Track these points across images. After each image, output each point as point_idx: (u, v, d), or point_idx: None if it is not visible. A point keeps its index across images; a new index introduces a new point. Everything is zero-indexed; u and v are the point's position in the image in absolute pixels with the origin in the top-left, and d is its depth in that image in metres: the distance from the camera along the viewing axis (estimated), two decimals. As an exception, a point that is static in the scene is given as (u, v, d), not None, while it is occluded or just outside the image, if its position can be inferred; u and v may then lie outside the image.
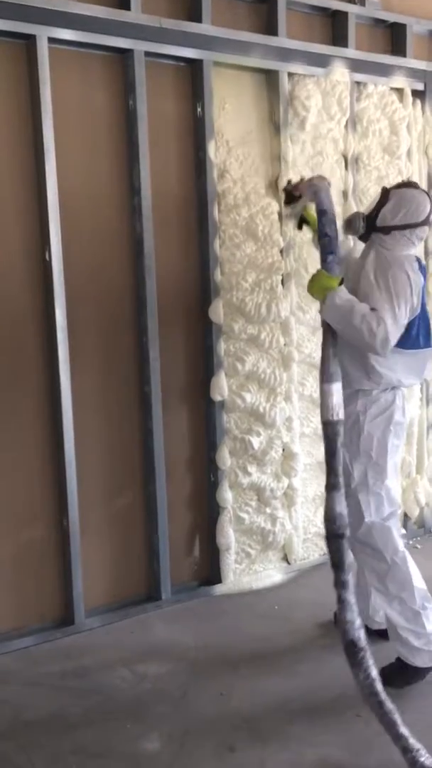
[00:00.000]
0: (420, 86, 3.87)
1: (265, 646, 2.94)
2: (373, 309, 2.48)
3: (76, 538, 3.06)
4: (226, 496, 3.41)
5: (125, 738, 2.36)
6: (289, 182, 3.13)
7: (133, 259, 3.15)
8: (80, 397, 3.04)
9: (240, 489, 3.46)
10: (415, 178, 3.89)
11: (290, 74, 3.43)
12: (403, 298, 2.52)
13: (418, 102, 3.90)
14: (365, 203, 3.73)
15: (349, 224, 2.77)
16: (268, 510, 3.55)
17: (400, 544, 2.68)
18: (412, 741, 2.06)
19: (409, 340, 2.60)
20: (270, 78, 3.40)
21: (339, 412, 2.47)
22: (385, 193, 2.70)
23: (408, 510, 4.09)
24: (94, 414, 3.13)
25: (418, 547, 4.01)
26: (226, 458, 3.39)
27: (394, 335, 2.48)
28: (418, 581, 2.64)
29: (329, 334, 2.55)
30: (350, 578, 2.39)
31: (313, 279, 2.61)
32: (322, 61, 3.50)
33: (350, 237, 3.03)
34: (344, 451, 2.56)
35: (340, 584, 2.38)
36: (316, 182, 2.81)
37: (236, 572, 3.51)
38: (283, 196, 3.15)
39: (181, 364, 3.32)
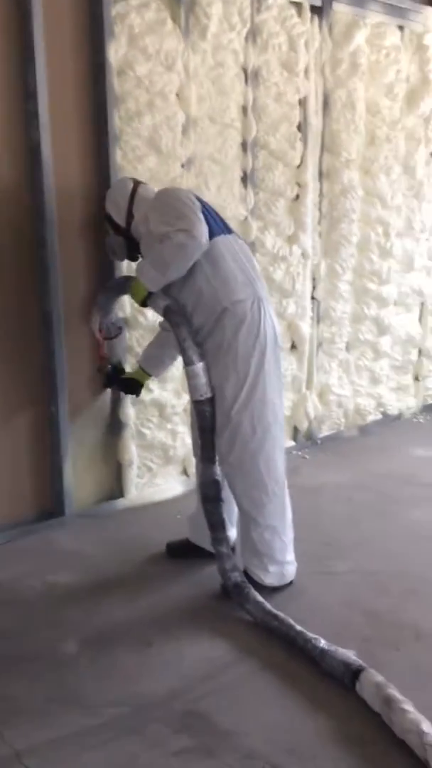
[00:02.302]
0: (318, 2, 3.84)
1: (171, 552, 3.07)
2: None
3: (-22, 457, 3.01)
4: (129, 412, 3.45)
5: (43, 644, 2.41)
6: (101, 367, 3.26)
7: (29, 168, 3.00)
8: (-22, 312, 2.93)
9: (142, 405, 3.50)
10: (311, 98, 3.93)
11: (191, -22, 3.31)
12: (168, 200, 2.56)
13: (316, 18, 3.89)
14: (264, 121, 3.74)
15: (113, 249, 2.89)
16: (168, 426, 3.63)
17: (283, 473, 2.68)
18: (309, 633, 2.35)
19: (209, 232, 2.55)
20: (171, -20, 3.26)
21: (207, 391, 2.57)
22: (106, 215, 2.85)
23: (297, 423, 4.32)
24: (-8, 330, 3.03)
25: (306, 457, 4.26)
26: (128, 375, 3.40)
27: (189, 222, 2.45)
28: (288, 512, 2.72)
29: (173, 316, 2.56)
30: (225, 534, 2.67)
31: (134, 295, 2.66)
32: (223, -35, 3.39)
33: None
34: (224, 379, 2.56)
35: (217, 541, 2.67)
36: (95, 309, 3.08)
37: (138, 486, 3.59)
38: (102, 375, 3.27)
39: (82, 280, 3.25)
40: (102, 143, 3.16)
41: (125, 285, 2.83)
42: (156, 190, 2.75)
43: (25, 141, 2.98)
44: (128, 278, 2.80)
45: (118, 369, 3.23)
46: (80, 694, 2.16)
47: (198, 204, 2.55)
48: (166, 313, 2.59)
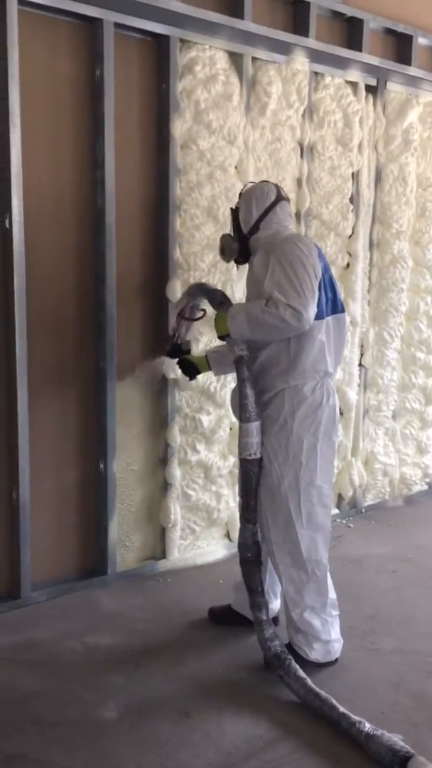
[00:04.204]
0: (373, 82, 3.99)
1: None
2: (269, 298, 2.42)
3: (26, 512, 3.03)
4: (175, 473, 3.46)
5: (82, 708, 2.38)
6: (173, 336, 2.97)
7: (93, 232, 3.13)
8: (35, 369, 3.01)
9: (188, 466, 3.51)
10: (364, 172, 4.03)
11: (253, 59, 3.47)
12: (297, 264, 2.42)
13: (371, 97, 4.02)
14: (318, 192, 3.84)
15: (223, 249, 2.75)
16: (213, 488, 3.62)
17: (325, 556, 2.64)
18: (353, 716, 2.26)
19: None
20: (234, 60, 3.42)
21: (257, 451, 2.54)
22: (234, 209, 2.74)
23: (342, 491, 4.26)
24: (48, 387, 3.10)
25: (351, 526, 4.19)
26: (176, 436, 3.43)
27: (304, 303, 2.37)
28: (331, 592, 2.68)
29: (243, 369, 2.52)
30: (263, 599, 2.60)
31: (216, 326, 2.58)
32: (284, 48, 3.55)
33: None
34: (273, 454, 2.55)
35: (255, 606, 2.60)
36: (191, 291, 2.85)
37: (181, 548, 3.57)
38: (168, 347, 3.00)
39: (137, 340, 3.33)
40: (163, 212, 3.28)
41: (217, 303, 2.62)
42: (292, 217, 2.71)
43: (92, 208, 3.11)
44: (224, 302, 2.61)
45: (185, 349, 2.99)
46: (117, 765, 2.11)
47: (320, 276, 2.47)
48: (237, 361, 2.53)
